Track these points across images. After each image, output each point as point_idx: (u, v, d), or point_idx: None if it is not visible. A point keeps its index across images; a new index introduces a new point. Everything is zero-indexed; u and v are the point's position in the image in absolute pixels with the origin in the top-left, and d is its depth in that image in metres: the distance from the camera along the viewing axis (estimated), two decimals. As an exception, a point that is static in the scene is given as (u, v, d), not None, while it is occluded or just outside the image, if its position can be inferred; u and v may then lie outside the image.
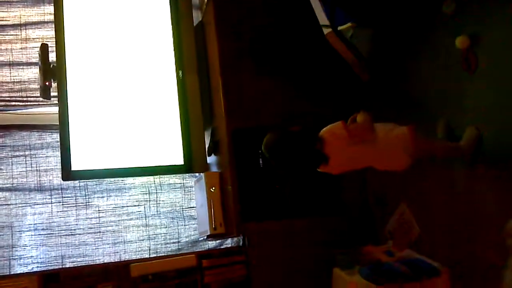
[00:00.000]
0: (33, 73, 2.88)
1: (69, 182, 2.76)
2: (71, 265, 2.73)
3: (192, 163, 2.77)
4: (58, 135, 2.61)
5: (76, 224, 2.79)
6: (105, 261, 2.78)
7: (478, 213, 2.15)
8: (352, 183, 2.77)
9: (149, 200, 2.93)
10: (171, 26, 2.91)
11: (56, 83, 2.60)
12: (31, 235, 2.73)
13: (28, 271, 2.65)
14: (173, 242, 2.92)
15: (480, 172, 2.15)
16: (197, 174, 2.87)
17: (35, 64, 2.85)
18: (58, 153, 2.64)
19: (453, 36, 2.19)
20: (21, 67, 2.89)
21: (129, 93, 2.76)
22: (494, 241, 2.04)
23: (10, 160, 2.78)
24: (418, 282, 2.29)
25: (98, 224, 2.82)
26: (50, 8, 2.83)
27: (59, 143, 2.60)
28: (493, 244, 2.04)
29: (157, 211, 2.94)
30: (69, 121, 2.59)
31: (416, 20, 2.53)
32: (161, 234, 2.91)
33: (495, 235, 2.02)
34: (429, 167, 2.36)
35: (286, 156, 1.94)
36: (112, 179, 2.87)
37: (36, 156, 2.82)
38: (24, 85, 2.88)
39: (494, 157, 2.10)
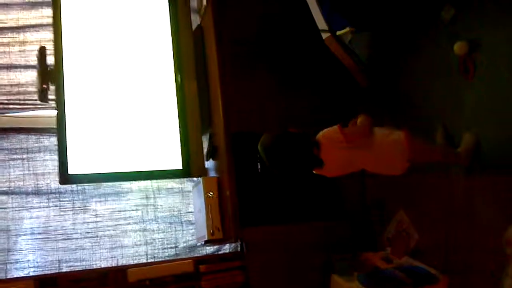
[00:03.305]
0: (31, 76, 2.85)
1: (67, 186, 2.73)
2: (68, 269, 2.70)
3: (190, 168, 2.77)
4: (56, 138, 2.59)
5: (73, 229, 2.77)
6: (102, 265, 2.75)
7: (476, 220, 2.15)
8: (351, 189, 2.77)
9: (147, 205, 2.91)
10: (169, 31, 2.90)
11: (53, 86, 2.59)
12: (28, 239, 2.71)
13: (24, 275, 2.63)
14: (171, 247, 2.90)
15: (478, 178, 2.15)
16: (195, 178, 2.86)
17: (33, 67, 2.83)
18: (56, 157, 2.62)
19: (452, 42, 2.19)
20: (19, 70, 2.87)
21: (127, 97, 2.75)
22: (493, 249, 2.03)
23: (8, 164, 2.76)
24: (416, 289, 2.28)
25: (95, 229, 2.80)
26: (49, 11, 2.81)
27: (56, 147, 2.58)
28: (492, 252, 2.04)
29: (155, 215, 2.92)
30: (67, 124, 2.58)
31: (415, 25, 2.53)
32: (158, 239, 2.89)
33: (494, 243, 2.02)
34: (427, 173, 2.35)
35: (281, 156, 1.92)
36: (110, 184, 2.85)
37: (34, 159, 2.80)
38: (22, 88, 2.86)
39: (492, 163, 2.09)
